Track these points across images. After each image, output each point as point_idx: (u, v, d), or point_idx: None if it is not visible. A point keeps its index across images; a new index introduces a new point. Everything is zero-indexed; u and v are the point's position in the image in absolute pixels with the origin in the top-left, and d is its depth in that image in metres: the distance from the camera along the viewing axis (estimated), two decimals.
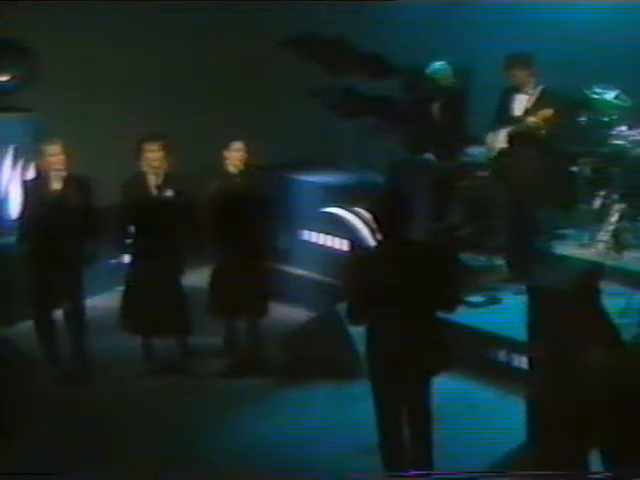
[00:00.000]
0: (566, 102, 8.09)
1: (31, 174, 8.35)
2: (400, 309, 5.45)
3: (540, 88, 7.96)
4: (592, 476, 4.84)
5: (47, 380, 7.24)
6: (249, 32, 9.46)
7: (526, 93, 7.98)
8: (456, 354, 6.06)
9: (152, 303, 7.36)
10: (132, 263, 7.55)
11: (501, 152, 8.08)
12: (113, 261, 8.89)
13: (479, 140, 8.52)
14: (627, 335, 5.85)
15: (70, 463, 6.14)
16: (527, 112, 7.91)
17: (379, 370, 5.62)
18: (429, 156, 8.70)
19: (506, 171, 8.09)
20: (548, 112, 7.75)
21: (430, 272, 5.50)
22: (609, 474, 4.57)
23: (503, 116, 8.06)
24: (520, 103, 7.98)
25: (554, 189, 8.27)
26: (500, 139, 8.04)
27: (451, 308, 5.64)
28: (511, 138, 7.96)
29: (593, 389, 4.64)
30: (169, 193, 7.34)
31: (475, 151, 8.78)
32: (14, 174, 8.67)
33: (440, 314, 5.61)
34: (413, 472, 5.51)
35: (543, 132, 7.82)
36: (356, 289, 5.58)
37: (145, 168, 7.34)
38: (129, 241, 7.49)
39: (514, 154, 7.98)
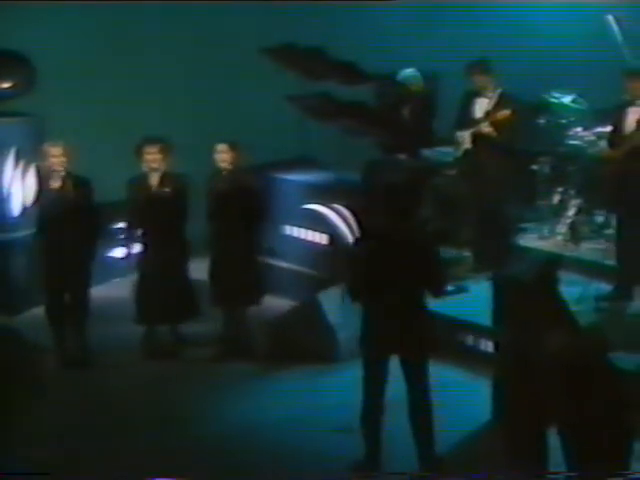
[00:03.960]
0: (522, 104, 8.17)
1: (31, 174, 8.33)
2: (392, 292, 5.62)
3: (498, 92, 8.03)
4: (555, 476, 4.88)
5: (49, 367, 7.21)
6: (236, 37, 9.45)
7: (486, 96, 8.05)
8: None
9: (160, 293, 7.42)
10: (140, 256, 7.65)
11: (466, 152, 8.15)
12: (112, 254, 8.96)
13: (447, 140, 8.57)
14: (583, 320, 5.93)
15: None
16: (487, 114, 8.00)
17: (372, 346, 5.78)
18: (401, 155, 8.73)
19: (471, 169, 8.17)
20: (505, 114, 7.84)
21: (419, 260, 5.65)
22: (573, 474, 4.61)
23: (466, 118, 8.14)
24: (481, 106, 8.06)
25: (516, 186, 8.33)
26: (465, 140, 8.11)
27: (439, 293, 5.82)
28: (474, 139, 8.04)
29: (551, 370, 4.69)
30: (167, 191, 7.38)
31: (443, 150, 8.83)
32: (15, 174, 8.65)
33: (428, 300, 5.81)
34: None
35: (501, 133, 7.89)
36: (354, 274, 5.82)
37: (145, 169, 7.39)
38: (136, 235, 7.63)
39: (477, 153, 8.05)
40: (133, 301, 7.60)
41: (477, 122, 8.05)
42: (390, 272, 5.65)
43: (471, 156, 8.14)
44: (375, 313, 5.77)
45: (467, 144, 8.13)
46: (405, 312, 5.70)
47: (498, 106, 7.97)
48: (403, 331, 5.70)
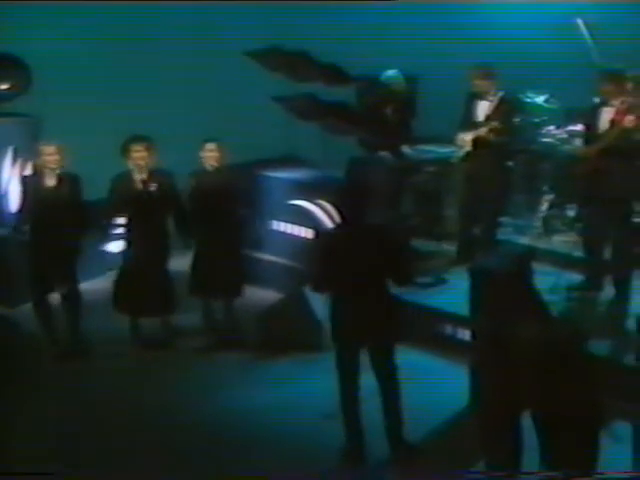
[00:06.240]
0: (519, 108, 8.17)
1: (28, 172, 8.34)
2: (358, 283, 5.64)
3: (499, 95, 8.03)
4: (531, 476, 4.93)
5: (46, 357, 7.21)
6: (227, 38, 9.48)
7: (487, 100, 8.03)
8: (408, 328, 6.21)
9: (141, 286, 7.41)
10: (125, 250, 7.63)
11: (468, 153, 8.12)
12: (103, 248, 8.95)
13: (436, 139, 8.59)
14: (555, 310, 6.00)
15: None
16: (488, 118, 7.99)
17: (342, 337, 5.79)
18: (383, 153, 8.78)
19: (470, 170, 8.15)
20: (494, 125, 7.85)
21: (385, 251, 5.68)
22: (552, 474, 4.65)
23: (468, 120, 8.11)
24: (482, 109, 8.05)
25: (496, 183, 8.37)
26: (467, 142, 8.09)
27: (403, 283, 5.81)
28: (474, 142, 8.03)
29: (525, 358, 4.75)
30: (153, 187, 7.39)
31: (427, 149, 8.91)
32: (13, 172, 8.66)
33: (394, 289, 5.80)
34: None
35: (497, 139, 7.92)
36: (319, 263, 5.84)
37: (132, 166, 7.39)
38: (120, 231, 7.57)
39: (477, 155, 8.03)
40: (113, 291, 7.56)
41: (477, 125, 8.01)
42: (354, 263, 5.64)
43: (471, 157, 8.11)
44: (341, 303, 5.77)
45: (468, 146, 8.11)
46: (370, 301, 5.68)
47: (498, 110, 7.95)
48: (368, 319, 5.67)
